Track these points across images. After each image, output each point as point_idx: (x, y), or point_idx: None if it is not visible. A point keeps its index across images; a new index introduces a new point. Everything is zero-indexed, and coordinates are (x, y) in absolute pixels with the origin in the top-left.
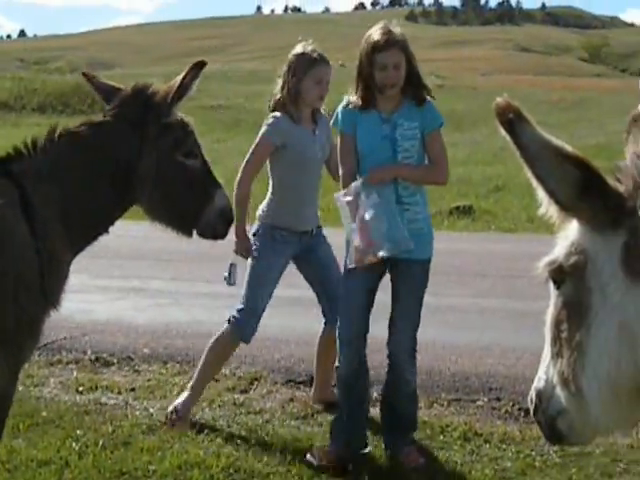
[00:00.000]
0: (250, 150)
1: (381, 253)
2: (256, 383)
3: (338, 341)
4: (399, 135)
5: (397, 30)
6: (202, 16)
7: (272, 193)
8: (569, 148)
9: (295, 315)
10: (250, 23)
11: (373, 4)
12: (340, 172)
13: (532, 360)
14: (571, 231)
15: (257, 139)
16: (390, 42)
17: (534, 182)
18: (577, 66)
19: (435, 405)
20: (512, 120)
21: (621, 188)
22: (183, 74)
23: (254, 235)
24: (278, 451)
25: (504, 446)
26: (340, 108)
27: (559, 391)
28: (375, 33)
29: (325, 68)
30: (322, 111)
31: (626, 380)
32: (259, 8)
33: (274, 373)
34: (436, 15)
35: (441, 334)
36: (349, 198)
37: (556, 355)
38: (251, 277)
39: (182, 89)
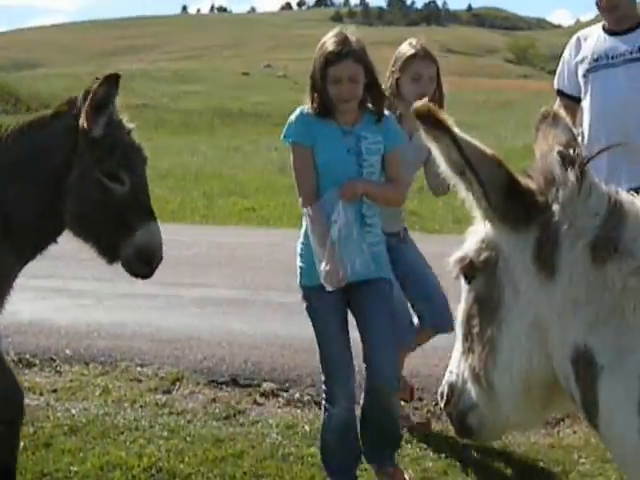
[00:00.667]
0: None
1: (346, 278)
2: (178, 383)
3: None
4: (364, 149)
5: (353, 38)
6: (126, 15)
7: None
8: (490, 150)
9: (218, 315)
10: (176, 23)
11: (299, 4)
12: (298, 189)
13: None
14: (481, 227)
15: None
16: (344, 53)
17: (469, 184)
18: (503, 67)
19: (357, 407)
20: (432, 125)
21: (532, 185)
22: (94, 88)
23: None
24: (200, 451)
25: (425, 446)
26: (293, 118)
27: (470, 386)
28: (329, 42)
29: (422, 63)
30: None
31: (537, 376)
32: (185, 8)
33: (196, 374)
34: (362, 15)
35: None
36: (317, 215)
37: (467, 350)
38: None
39: (95, 103)
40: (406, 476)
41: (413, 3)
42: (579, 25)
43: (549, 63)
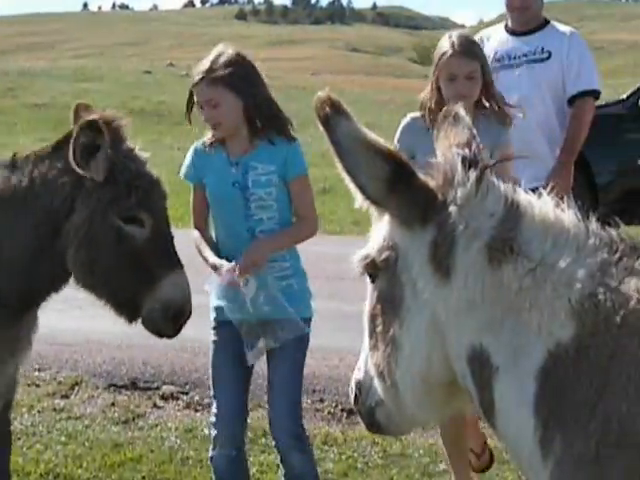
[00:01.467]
0: None
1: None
2: (77, 388)
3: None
4: (251, 181)
5: (221, 59)
6: (25, 12)
7: None
8: (382, 142)
9: (117, 318)
10: (76, 20)
11: (202, 2)
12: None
13: (355, 361)
14: (383, 225)
15: None
16: (208, 80)
17: (345, 177)
18: (407, 67)
19: (259, 409)
20: (328, 114)
21: (432, 183)
22: (73, 138)
23: None
24: (99, 456)
25: (326, 447)
26: (187, 155)
27: (376, 383)
28: (199, 63)
29: (459, 60)
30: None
31: (437, 375)
32: (85, 5)
33: (95, 377)
34: (266, 14)
35: None
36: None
37: (373, 348)
38: None
39: (80, 152)
40: None
41: (317, 1)
42: (482, 25)
43: None
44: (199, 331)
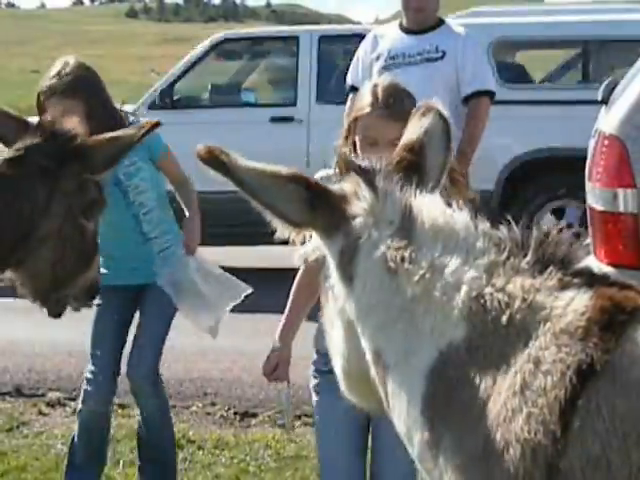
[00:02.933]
0: None
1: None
2: None
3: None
4: (122, 176)
5: (65, 71)
6: None
7: None
8: (283, 169)
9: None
10: None
11: (92, 0)
12: None
13: (247, 364)
14: None
15: None
16: (58, 93)
17: (265, 212)
18: None
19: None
20: (218, 161)
21: (343, 195)
22: (128, 135)
23: None
24: None
25: (218, 452)
26: None
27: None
28: (45, 78)
29: (383, 123)
30: None
31: (356, 374)
32: None
33: None
34: (158, 11)
35: None
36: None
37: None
38: None
39: (116, 152)
40: None
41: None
42: (378, 22)
43: None
44: (86, 336)
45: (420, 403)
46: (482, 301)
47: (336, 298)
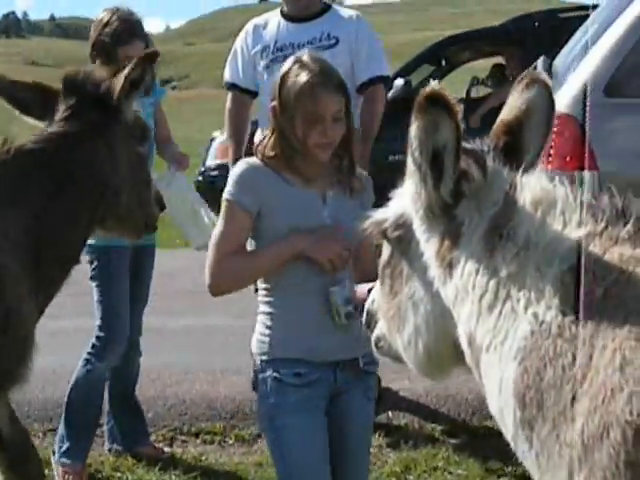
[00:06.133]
0: None
1: None
2: None
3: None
4: None
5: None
6: None
7: None
8: None
9: None
10: None
11: None
12: None
13: (175, 378)
14: (403, 199)
15: None
16: None
17: (432, 172)
18: None
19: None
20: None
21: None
22: (129, 68)
23: None
24: None
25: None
26: None
27: (382, 322)
28: None
29: (327, 95)
30: None
31: (440, 353)
32: None
33: None
34: None
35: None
36: None
37: (382, 294)
38: None
39: (127, 85)
40: None
41: None
42: (170, 31)
43: None
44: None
45: (512, 383)
46: (575, 274)
47: (427, 282)
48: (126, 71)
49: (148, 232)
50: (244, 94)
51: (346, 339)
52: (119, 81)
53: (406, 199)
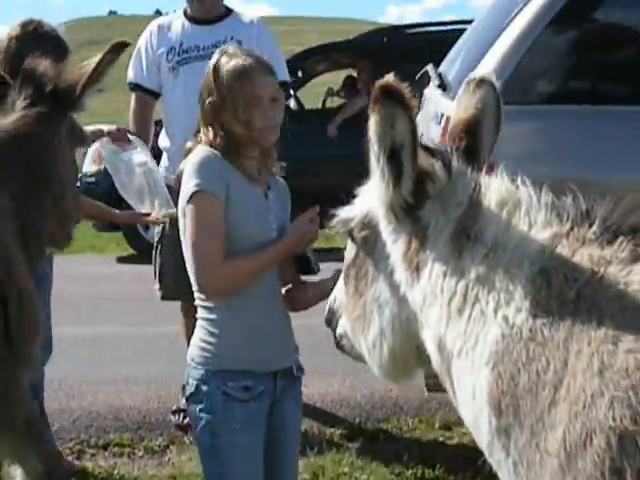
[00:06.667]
0: None
1: None
2: None
3: None
4: None
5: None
6: None
7: None
8: None
9: None
10: None
11: None
12: None
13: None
14: (369, 198)
15: None
16: None
17: (393, 168)
18: None
19: None
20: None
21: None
22: (99, 59)
23: None
24: None
25: None
26: None
27: (345, 321)
28: None
29: (264, 76)
30: None
31: (404, 355)
32: None
33: None
34: None
35: None
36: None
37: (347, 293)
38: None
39: (95, 77)
40: None
41: None
42: None
43: None
44: None
45: (486, 390)
46: (546, 276)
47: (393, 285)
48: (95, 61)
49: (67, 244)
50: (147, 95)
51: (284, 347)
52: (85, 72)
53: (371, 198)
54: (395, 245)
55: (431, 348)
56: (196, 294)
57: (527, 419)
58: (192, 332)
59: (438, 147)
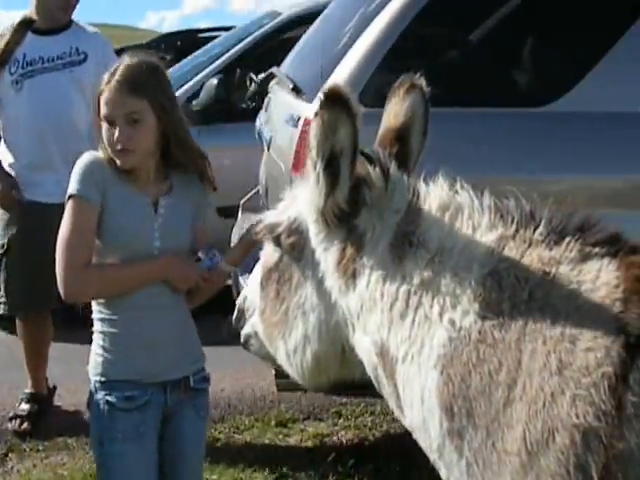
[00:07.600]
0: None
1: None
2: None
3: None
4: None
5: None
6: None
7: None
8: None
9: None
10: None
11: None
12: None
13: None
14: (297, 203)
15: None
16: None
17: (330, 175)
18: None
19: None
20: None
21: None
22: (7, 38)
23: None
24: None
25: None
26: None
27: (257, 318)
28: None
29: (118, 96)
30: None
31: (330, 360)
32: None
33: None
34: None
35: None
36: None
37: (263, 297)
38: None
39: (6, 55)
40: None
41: None
42: None
43: None
44: None
45: (435, 393)
46: (497, 278)
47: (321, 292)
48: (6, 38)
49: None
50: None
51: (176, 358)
52: None
53: (301, 203)
54: (327, 253)
55: (368, 354)
56: (93, 305)
57: (481, 420)
58: (42, 342)
59: (375, 154)
